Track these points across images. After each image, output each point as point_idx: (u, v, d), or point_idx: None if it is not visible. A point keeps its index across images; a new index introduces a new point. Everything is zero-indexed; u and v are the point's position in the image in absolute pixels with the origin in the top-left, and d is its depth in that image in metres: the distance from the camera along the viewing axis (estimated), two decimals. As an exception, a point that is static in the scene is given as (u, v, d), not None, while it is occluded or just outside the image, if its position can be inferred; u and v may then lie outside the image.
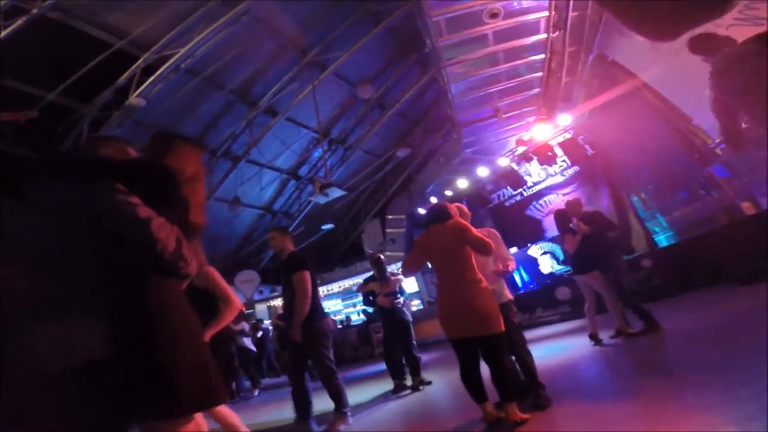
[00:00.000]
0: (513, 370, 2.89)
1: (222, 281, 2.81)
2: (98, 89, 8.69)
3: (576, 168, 11.58)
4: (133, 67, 8.42)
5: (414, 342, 5.39)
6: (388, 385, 5.26)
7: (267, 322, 12.59)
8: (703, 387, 2.46)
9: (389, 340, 5.39)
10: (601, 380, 3.51)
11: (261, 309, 14.91)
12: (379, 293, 5.41)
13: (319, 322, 3.74)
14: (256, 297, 15.29)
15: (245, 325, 9.03)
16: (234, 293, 2.86)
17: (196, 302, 1.43)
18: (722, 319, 4.16)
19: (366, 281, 5.67)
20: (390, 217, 15.36)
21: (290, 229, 15.12)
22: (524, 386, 3.08)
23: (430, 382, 5.08)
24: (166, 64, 8.47)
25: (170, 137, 1.64)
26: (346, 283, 14.58)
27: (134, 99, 8.42)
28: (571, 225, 5.10)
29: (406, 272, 3.48)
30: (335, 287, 14.82)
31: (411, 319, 7.78)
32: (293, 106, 11.43)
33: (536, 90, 10.33)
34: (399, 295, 5.36)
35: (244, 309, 2.91)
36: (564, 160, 11.66)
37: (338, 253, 16.49)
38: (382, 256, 5.72)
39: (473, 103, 10.41)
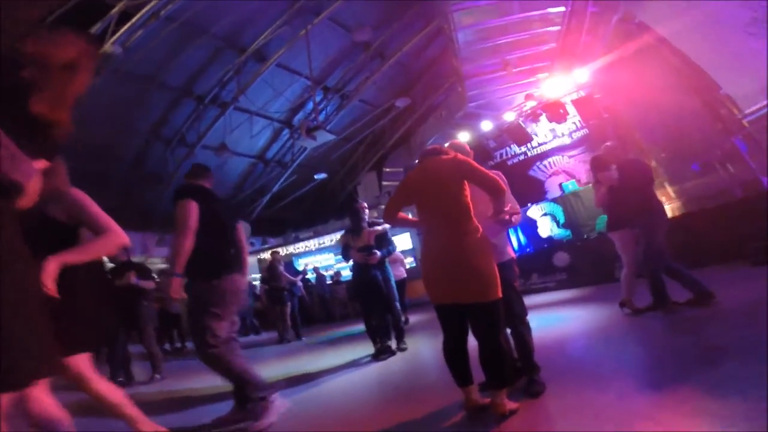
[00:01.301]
0: (507, 349, 2.45)
1: (94, 207, 2.05)
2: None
3: (585, 131, 10.98)
4: (108, 15, 7.76)
5: (396, 304, 4.94)
6: (371, 347, 4.94)
7: (254, 276, 12.43)
8: (715, 381, 2.13)
9: (362, 300, 4.92)
10: (601, 362, 3.20)
11: (251, 261, 14.69)
12: (353, 247, 4.82)
13: (215, 278, 2.63)
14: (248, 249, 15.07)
15: None
16: (114, 222, 2.07)
17: (57, 239, 0.99)
18: (736, 302, 3.82)
19: (345, 233, 5.10)
20: (387, 169, 14.88)
21: (283, 178, 14.71)
22: (517, 368, 2.74)
23: (404, 349, 4.83)
24: (142, 11, 7.92)
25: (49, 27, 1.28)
26: (339, 236, 14.28)
27: (109, 46, 7.85)
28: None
29: (388, 218, 2.65)
30: (327, 240, 14.51)
31: (403, 276, 7.51)
32: (287, 53, 10.75)
33: (551, 45, 9.51)
34: (375, 251, 4.72)
35: (128, 242, 2.08)
36: (574, 122, 11.03)
37: (333, 205, 16.11)
38: (362, 205, 5.04)
39: (481, 54, 9.66)
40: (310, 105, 12.50)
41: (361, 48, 11.47)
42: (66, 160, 2.07)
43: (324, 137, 8.95)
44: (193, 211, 2.63)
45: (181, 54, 9.62)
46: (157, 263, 14.40)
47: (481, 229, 2.39)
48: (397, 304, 4.99)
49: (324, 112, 12.28)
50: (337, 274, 12.63)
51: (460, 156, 2.50)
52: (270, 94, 11.55)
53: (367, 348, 5.05)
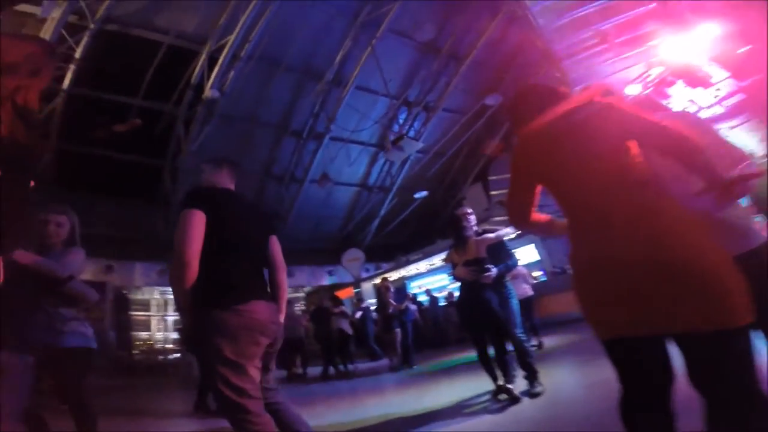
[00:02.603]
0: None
1: None
2: (175, 88, 8.97)
3: (741, 95, 8.39)
4: (200, 63, 8.47)
5: (518, 333, 3.63)
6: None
7: (371, 302, 12.00)
8: None
9: (469, 329, 3.74)
10: None
11: (368, 288, 14.47)
12: (458, 263, 3.64)
13: (220, 309, 1.74)
14: (363, 275, 14.95)
15: (345, 308, 8.56)
16: None
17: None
18: None
19: (450, 249, 3.93)
20: (493, 177, 13.51)
21: (387, 201, 14.32)
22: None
23: (537, 394, 3.36)
24: (223, 53, 8.38)
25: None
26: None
27: (208, 92, 8.52)
28: None
29: (519, 221, 1.56)
30: (437, 260, 13.52)
31: (529, 294, 5.87)
32: (363, 74, 10.65)
33: (650, 5, 7.63)
34: (490, 266, 3.46)
35: None
36: (718, 87, 8.52)
37: (438, 224, 15.21)
38: (463, 211, 3.80)
39: (567, 30, 8.23)
40: (396, 127, 12.18)
41: (432, 54, 10.83)
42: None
43: (411, 146, 8.39)
44: (197, 224, 1.81)
45: (270, 91, 9.99)
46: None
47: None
48: (520, 333, 3.66)
49: (413, 129, 11.75)
50: (450, 295, 11.47)
51: (600, 98, 1.37)
52: (357, 119, 11.44)
53: (487, 380, 3.83)
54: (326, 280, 14.80)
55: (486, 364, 3.66)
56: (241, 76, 8.91)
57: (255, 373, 1.79)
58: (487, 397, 3.64)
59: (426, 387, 5.07)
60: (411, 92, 11.85)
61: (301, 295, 16.34)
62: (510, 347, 3.59)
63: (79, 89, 7.79)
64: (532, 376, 3.50)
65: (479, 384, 3.91)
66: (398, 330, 7.36)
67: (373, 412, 3.87)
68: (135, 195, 10.53)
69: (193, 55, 8.55)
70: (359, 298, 12.78)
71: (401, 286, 13.33)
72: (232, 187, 2.14)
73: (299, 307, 15.81)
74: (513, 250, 3.96)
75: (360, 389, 5.74)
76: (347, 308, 9.33)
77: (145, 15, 7.89)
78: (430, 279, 13.50)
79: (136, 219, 10.63)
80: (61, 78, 7.50)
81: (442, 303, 11.17)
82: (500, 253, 3.68)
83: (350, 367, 8.10)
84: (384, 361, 8.03)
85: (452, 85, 11.61)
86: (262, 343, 1.84)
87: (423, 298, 11.87)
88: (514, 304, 3.71)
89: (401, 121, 11.05)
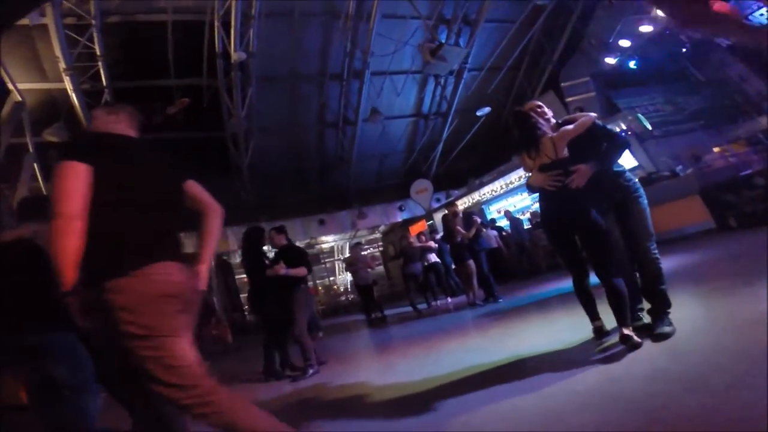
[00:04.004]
0: None
1: None
2: (201, 61, 8.64)
3: None
4: (216, 30, 8.00)
5: (652, 248, 2.50)
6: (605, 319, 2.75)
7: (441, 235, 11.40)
8: None
9: (560, 249, 2.80)
10: None
11: (439, 218, 13.73)
12: (533, 168, 2.67)
13: (119, 276, 1.33)
14: (434, 205, 14.26)
15: (432, 243, 7.99)
16: None
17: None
18: None
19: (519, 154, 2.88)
20: (567, 83, 11.51)
21: (447, 126, 13.08)
22: None
23: (665, 334, 2.30)
24: (232, 16, 7.88)
25: None
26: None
27: (234, 55, 8.10)
28: None
29: None
30: (514, 178, 12.10)
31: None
32: (385, 2, 9.37)
33: None
34: (579, 166, 2.47)
35: None
36: None
37: (512, 141, 13.57)
38: (532, 104, 2.79)
39: None
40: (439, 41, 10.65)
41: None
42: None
43: (454, 54, 7.07)
44: (76, 178, 1.38)
45: (298, 42, 9.41)
46: (363, 236, 15.19)
47: None
48: (653, 249, 2.52)
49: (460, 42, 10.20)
50: (535, 214, 10.09)
51: None
52: (392, 48, 10.29)
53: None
54: (399, 217, 14.43)
55: (583, 295, 2.74)
56: (262, 34, 8.40)
57: (191, 347, 1.43)
58: (589, 339, 2.73)
59: (513, 327, 4.29)
60: (446, 9, 10.31)
61: (378, 236, 16.29)
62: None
63: (119, 82, 7.81)
64: (661, 310, 2.46)
65: (582, 321, 2.89)
66: (470, 261, 6.40)
67: (452, 363, 3.18)
68: (206, 169, 10.95)
69: (202, 25, 8.11)
70: (432, 230, 12.25)
71: (477, 211, 12.35)
72: (131, 133, 1.71)
73: (372, 249, 15.82)
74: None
75: (440, 331, 5.21)
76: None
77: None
78: (510, 200, 12.30)
79: (214, 190, 11.12)
80: (98, 76, 7.55)
81: (526, 225, 9.95)
82: (592, 142, 2.55)
83: (437, 303, 7.82)
84: (462, 298, 7.41)
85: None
86: (185, 311, 1.46)
87: (504, 223, 10.71)
88: (643, 204, 2.57)
89: (443, 40, 9.58)
